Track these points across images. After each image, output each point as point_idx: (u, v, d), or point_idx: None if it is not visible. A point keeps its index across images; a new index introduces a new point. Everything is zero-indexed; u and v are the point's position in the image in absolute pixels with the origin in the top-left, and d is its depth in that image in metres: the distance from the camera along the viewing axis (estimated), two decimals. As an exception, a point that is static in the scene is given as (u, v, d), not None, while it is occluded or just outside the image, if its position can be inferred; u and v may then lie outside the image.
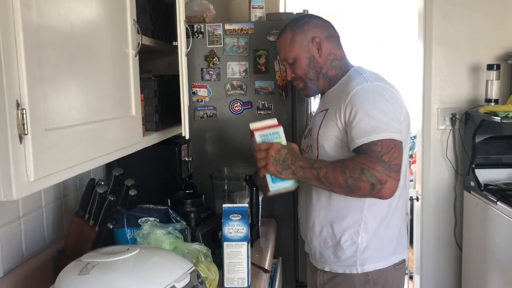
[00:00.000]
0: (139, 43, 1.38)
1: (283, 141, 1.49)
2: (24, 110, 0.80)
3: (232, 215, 1.33)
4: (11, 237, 1.32)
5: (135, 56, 1.37)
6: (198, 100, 2.13)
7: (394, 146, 1.36)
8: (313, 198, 1.58)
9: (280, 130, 1.51)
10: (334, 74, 1.60)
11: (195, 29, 2.09)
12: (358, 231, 1.51)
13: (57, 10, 0.94)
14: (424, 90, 2.93)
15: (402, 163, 1.39)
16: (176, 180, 1.82)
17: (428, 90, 2.90)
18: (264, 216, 2.07)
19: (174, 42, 1.50)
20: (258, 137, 1.49)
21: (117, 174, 1.45)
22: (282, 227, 2.15)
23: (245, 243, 1.32)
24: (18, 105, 0.80)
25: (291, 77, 1.65)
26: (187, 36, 1.57)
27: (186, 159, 1.89)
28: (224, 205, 1.36)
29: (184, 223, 1.40)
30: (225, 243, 1.32)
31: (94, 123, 1.10)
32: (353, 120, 1.40)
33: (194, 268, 1.07)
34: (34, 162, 0.83)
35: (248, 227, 1.33)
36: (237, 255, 1.33)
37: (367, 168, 1.32)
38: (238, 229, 1.32)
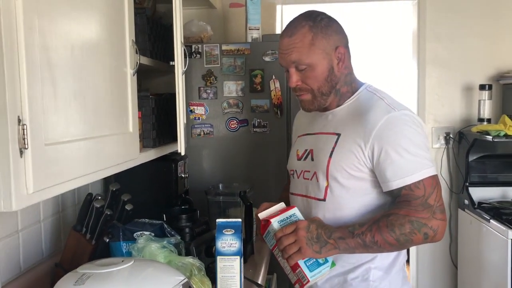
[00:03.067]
0: (137, 63, 1.43)
1: (298, 214, 1.34)
2: (25, 126, 0.85)
3: (225, 230, 1.35)
4: (9, 250, 1.36)
5: (133, 75, 1.42)
6: (195, 118, 2.18)
7: (436, 184, 1.25)
8: None
9: (296, 210, 1.34)
10: (346, 91, 1.40)
11: (193, 49, 2.16)
12: (370, 267, 1.35)
13: (58, 31, 0.99)
14: (418, 109, 2.98)
15: (442, 198, 1.28)
16: (172, 195, 1.86)
17: (422, 109, 2.95)
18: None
19: (171, 62, 1.55)
20: (276, 224, 1.30)
21: (114, 189, 1.49)
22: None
23: (238, 257, 1.34)
24: (19, 120, 0.84)
25: (296, 85, 1.36)
26: (185, 56, 1.63)
27: (183, 175, 1.93)
28: (217, 220, 1.39)
29: (179, 237, 1.44)
30: (218, 257, 1.34)
31: (92, 139, 1.14)
32: (387, 158, 1.25)
33: (186, 280, 1.10)
34: (33, 175, 0.87)
35: (241, 241, 1.36)
36: (230, 269, 1.36)
37: (416, 219, 1.21)
38: (231, 243, 1.34)
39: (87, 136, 1.12)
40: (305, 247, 1.23)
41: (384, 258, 1.35)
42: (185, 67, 1.58)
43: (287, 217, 1.32)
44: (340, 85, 1.38)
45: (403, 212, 1.23)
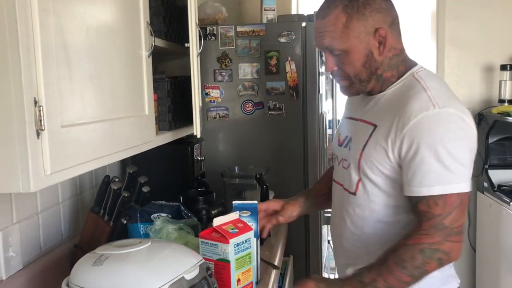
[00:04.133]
0: (152, 45, 1.43)
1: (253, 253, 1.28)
2: (41, 107, 0.85)
3: (242, 212, 1.36)
4: (29, 231, 1.38)
5: (148, 57, 1.42)
6: (210, 100, 2.17)
7: (459, 204, 1.11)
8: (345, 219, 1.33)
9: (252, 235, 1.26)
10: (390, 76, 1.25)
11: (208, 31, 2.14)
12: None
13: (73, 13, 0.99)
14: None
15: (465, 219, 1.16)
16: (189, 178, 1.86)
17: (441, 91, 2.90)
18: (276, 214, 2.10)
19: (186, 44, 1.54)
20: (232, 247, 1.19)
21: (131, 172, 1.50)
22: (293, 227, 2.17)
23: (254, 238, 1.35)
24: (35, 102, 0.85)
25: (332, 70, 1.26)
26: (199, 38, 1.62)
27: (199, 158, 1.94)
28: (234, 202, 1.39)
29: (195, 219, 1.45)
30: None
31: (108, 121, 1.15)
32: (413, 159, 1.13)
33: (203, 260, 1.11)
34: (50, 157, 0.87)
35: (257, 223, 1.36)
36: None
37: (427, 246, 1.10)
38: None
39: (103, 118, 1.12)
40: None
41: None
42: (200, 49, 1.57)
43: (243, 241, 1.23)
44: (382, 70, 1.24)
45: (412, 241, 1.12)
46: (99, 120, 1.09)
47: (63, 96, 0.93)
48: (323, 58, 1.79)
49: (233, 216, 1.28)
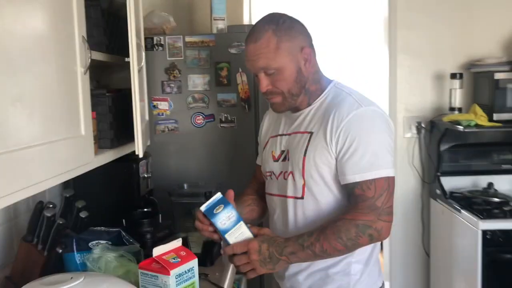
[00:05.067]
0: (88, 60, 1.33)
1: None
2: None
3: (215, 209, 1.27)
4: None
5: (85, 74, 1.33)
6: (159, 113, 2.09)
7: (388, 187, 1.28)
8: (290, 223, 1.42)
9: (195, 263, 1.23)
10: (315, 89, 1.41)
11: (155, 42, 2.06)
12: (350, 261, 1.38)
13: None
14: (390, 98, 2.95)
15: (392, 200, 1.30)
16: (135, 197, 1.77)
17: (394, 98, 2.92)
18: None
19: (126, 58, 1.45)
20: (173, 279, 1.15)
21: (67, 196, 1.40)
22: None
23: (241, 222, 1.28)
24: None
25: (267, 90, 1.38)
26: (146, 49, 1.54)
27: (145, 175, 1.85)
28: (201, 208, 1.29)
29: (138, 245, 1.36)
30: (226, 235, 1.27)
31: (37, 146, 1.05)
32: (347, 152, 1.29)
33: (142, 296, 1.03)
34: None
35: (235, 209, 1.28)
36: (242, 236, 1.28)
37: (362, 222, 1.25)
38: (229, 216, 1.27)
39: (32, 144, 1.03)
40: (259, 268, 1.27)
41: (362, 252, 1.38)
42: (142, 63, 1.49)
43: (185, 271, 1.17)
44: (309, 84, 1.40)
45: (350, 216, 1.27)
46: (26, 146, 0.99)
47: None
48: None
49: (175, 244, 1.21)
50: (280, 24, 1.34)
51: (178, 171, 2.09)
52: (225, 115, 2.07)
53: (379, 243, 1.44)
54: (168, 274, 1.10)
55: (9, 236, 1.50)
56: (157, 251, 1.15)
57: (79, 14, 1.29)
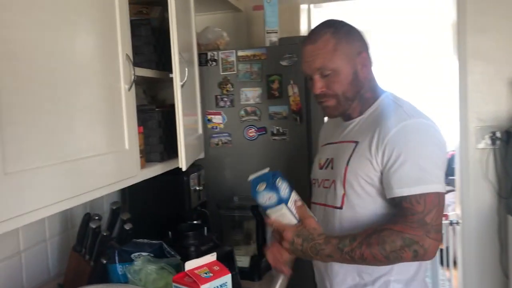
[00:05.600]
0: (133, 77, 1.38)
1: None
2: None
3: (259, 186, 1.27)
4: (10, 270, 1.35)
5: (129, 90, 1.38)
6: (213, 127, 2.12)
7: (438, 203, 1.21)
8: (328, 233, 1.34)
9: (229, 279, 1.18)
10: (369, 97, 1.40)
11: (209, 57, 2.10)
12: (389, 280, 1.32)
13: (25, 42, 0.95)
14: (460, 108, 2.77)
15: (442, 218, 1.25)
16: (185, 210, 1.80)
17: (464, 108, 2.73)
18: (281, 245, 2.01)
19: (170, 74, 1.49)
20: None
21: (114, 208, 1.45)
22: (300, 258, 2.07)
23: (282, 205, 1.26)
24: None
25: (321, 91, 1.37)
26: (200, 64, 1.57)
27: (197, 188, 1.87)
28: (250, 177, 1.31)
29: (179, 258, 1.38)
30: (267, 211, 1.29)
31: (84, 159, 1.11)
32: (394, 165, 1.23)
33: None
34: (-14, 208, 0.83)
35: (277, 190, 1.25)
36: (283, 217, 1.28)
37: (409, 236, 1.19)
38: (270, 197, 1.26)
39: (79, 156, 1.09)
40: (288, 252, 1.30)
41: (404, 271, 1.32)
42: (184, 78, 1.52)
43: (217, 286, 1.14)
44: (364, 91, 1.39)
45: (398, 228, 1.20)
46: (60, 161, 1.04)
47: (6, 142, 0.88)
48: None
49: (208, 258, 1.20)
50: (338, 27, 1.37)
51: (231, 184, 2.10)
52: (277, 127, 2.05)
53: (426, 264, 1.35)
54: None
55: (66, 245, 1.59)
56: (189, 265, 1.15)
57: (122, 34, 1.34)
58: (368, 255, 1.20)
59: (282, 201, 1.25)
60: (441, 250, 3.37)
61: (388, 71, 4.08)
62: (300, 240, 1.26)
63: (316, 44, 1.34)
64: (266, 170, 1.31)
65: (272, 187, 1.25)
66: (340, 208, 1.36)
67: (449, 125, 2.80)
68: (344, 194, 1.35)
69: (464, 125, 2.72)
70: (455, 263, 3.18)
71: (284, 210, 1.26)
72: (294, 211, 1.30)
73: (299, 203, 1.33)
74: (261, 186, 1.26)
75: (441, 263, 3.48)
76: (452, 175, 3.05)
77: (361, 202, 1.31)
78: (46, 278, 1.50)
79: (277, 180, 1.28)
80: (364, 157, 1.30)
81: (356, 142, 1.35)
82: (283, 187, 1.28)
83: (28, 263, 1.42)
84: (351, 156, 1.34)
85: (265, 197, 1.26)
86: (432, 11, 3.52)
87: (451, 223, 2.97)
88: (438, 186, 1.23)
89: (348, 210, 1.34)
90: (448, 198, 4.62)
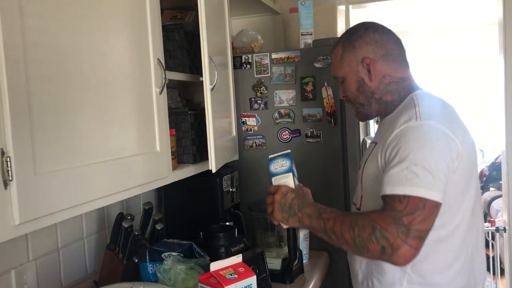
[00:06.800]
0: (164, 81, 1.42)
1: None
2: (8, 158, 0.86)
3: (274, 156, 1.38)
4: (48, 267, 1.42)
5: (160, 94, 1.41)
6: (247, 129, 2.13)
7: (422, 208, 1.11)
8: None
9: (254, 280, 1.24)
10: (391, 100, 1.37)
11: (243, 60, 2.11)
12: None
13: (57, 47, 0.99)
14: (506, 108, 2.65)
15: (429, 228, 1.13)
16: (218, 211, 1.82)
17: (511, 110, 2.61)
18: (315, 248, 2.00)
19: (200, 78, 1.52)
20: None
21: (146, 208, 1.49)
22: (336, 261, 2.04)
23: (290, 173, 1.34)
24: (3, 153, 0.86)
25: (343, 97, 1.46)
26: (235, 67, 1.62)
27: (230, 190, 1.89)
28: (270, 156, 1.39)
29: (208, 258, 1.40)
30: (273, 179, 1.36)
31: (116, 160, 1.16)
32: (390, 163, 1.19)
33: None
34: (19, 207, 0.87)
35: (291, 162, 1.35)
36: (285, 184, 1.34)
37: (380, 228, 1.11)
38: (283, 164, 1.35)
39: (110, 157, 1.13)
40: (276, 211, 1.29)
41: (416, 279, 1.25)
42: (214, 81, 1.54)
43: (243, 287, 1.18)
44: (380, 94, 1.38)
45: (372, 216, 1.15)
46: (90, 163, 1.09)
47: (37, 143, 0.93)
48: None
49: (234, 259, 1.21)
50: (350, 35, 1.39)
51: (265, 186, 2.10)
52: (311, 130, 2.04)
53: (456, 272, 1.26)
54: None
55: (103, 244, 1.64)
56: (215, 266, 1.16)
57: (154, 39, 1.38)
58: (338, 230, 1.17)
59: (291, 170, 1.34)
60: (488, 257, 3.23)
61: (433, 73, 3.96)
62: (293, 195, 1.29)
63: (332, 52, 1.44)
64: (288, 151, 1.39)
65: (288, 156, 1.35)
66: (359, 209, 1.39)
67: (494, 128, 2.69)
68: (361, 196, 1.38)
69: (511, 128, 2.60)
70: (502, 271, 3.05)
71: (290, 178, 1.33)
72: (296, 183, 1.35)
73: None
74: (277, 156, 1.36)
75: (488, 270, 3.35)
76: (501, 179, 2.93)
77: (375, 204, 1.23)
78: (83, 275, 1.55)
79: (292, 156, 1.37)
80: (375, 158, 1.29)
81: (376, 143, 1.36)
82: (294, 166, 1.38)
83: (65, 260, 1.48)
84: (368, 157, 1.37)
85: (278, 164, 1.35)
86: (477, 10, 3.39)
87: (497, 230, 2.85)
88: (427, 191, 1.12)
89: (365, 211, 1.32)
90: (498, 204, 4.43)
